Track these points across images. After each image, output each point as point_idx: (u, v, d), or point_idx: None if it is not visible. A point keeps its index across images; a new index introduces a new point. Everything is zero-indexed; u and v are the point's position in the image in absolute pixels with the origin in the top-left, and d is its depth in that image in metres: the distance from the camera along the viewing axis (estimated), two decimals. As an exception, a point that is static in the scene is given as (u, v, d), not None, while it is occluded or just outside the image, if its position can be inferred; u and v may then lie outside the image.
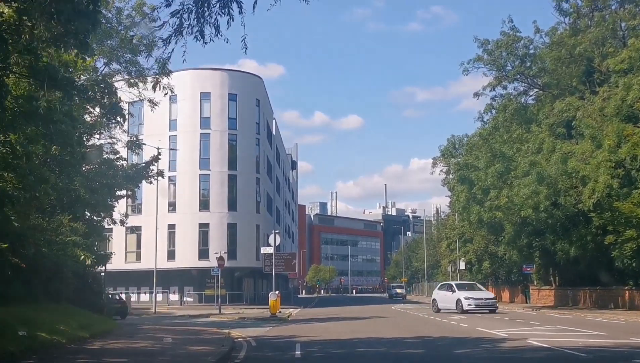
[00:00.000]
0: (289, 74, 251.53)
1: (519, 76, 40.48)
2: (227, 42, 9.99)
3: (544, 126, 37.23)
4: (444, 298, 36.19)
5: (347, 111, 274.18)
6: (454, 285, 36.92)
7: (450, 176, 53.77)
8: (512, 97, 41.25)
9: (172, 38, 9.79)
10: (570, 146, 33.99)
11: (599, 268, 36.75)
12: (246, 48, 10.02)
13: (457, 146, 54.62)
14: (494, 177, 38.59)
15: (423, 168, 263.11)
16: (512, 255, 46.94)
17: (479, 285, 39.57)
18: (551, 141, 35.59)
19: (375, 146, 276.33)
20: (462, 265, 60.91)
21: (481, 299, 34.45)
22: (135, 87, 30.45)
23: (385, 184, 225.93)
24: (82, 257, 22.70)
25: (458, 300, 34.54)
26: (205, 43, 9.93)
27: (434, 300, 37.40)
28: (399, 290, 79.95)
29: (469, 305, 33.80)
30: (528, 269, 46.89)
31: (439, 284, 40.90)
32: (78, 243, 23.35)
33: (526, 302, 49.09)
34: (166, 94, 27.06)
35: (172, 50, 10.04)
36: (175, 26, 9.72)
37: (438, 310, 35.91)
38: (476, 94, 41.62)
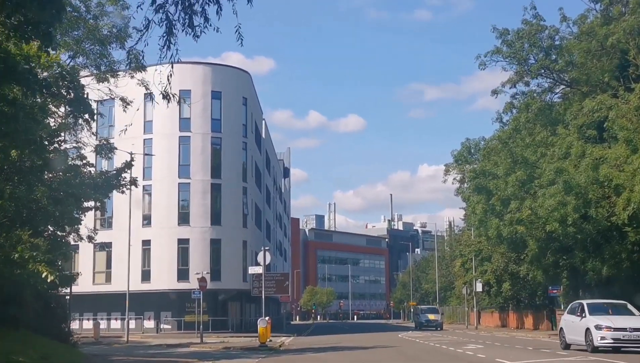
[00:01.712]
0: (280, 68, 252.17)
1: (543, 71, 40.58)
2: (217, 31, 10.00)
3: (572, 127, 37.30)
4: (571, 326, 27.79)
5: (346, 110, 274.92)
6: (585, 306, 27.68)
7: (465, 185, 53.79)
8: (535, 94, 41.34)
9: (152, 31, 9.79)
10: (602, 151, 34.04)
11: (636, 290, 36.73)
12: (242, 39, 10.03)
13: (472, 150, 54.72)
14: (515, 186, 38.61)
15: (433, 176, 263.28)
16: (536, 275, 46.91)
17: (630, 306, 28.30)
18: (580, 145, 35.63)
19: (378, 150, 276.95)
20: (479, 287, 60.90)
21: (628, 329, 25.02)
22: (106, 83, 30.46)
23: (391, 195, 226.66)
24: (45, 274, 22.59)
25: (587, 330, 25.69)
26: (197, 37, 9.93)
27: (561, 329, 29.68)
28: (432, 316, 64.76)
29: (601, 339, 24.97)
30: (554, 291, 46.83)
31: (570, 304, 31.05)
32: (39, 259, 23.24)
33: (552, 329, 49.00)
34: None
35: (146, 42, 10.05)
36: (164, 25, 9.71)
37: (567, 346, 27.88)
38: (494, 92, 41.71)
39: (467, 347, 29.39)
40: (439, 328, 61.36)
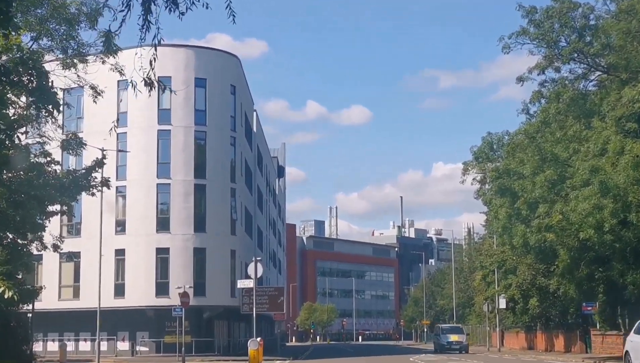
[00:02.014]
0: (273, 52, 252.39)
1: (576, 55, 40.56)
2: (206, 7, 9.91)
3: (609, 120, 37.27)
4: (637, 348, 27.69)
5: (349, 100, 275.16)
6: None
7: (487, 187, 53.91)
8: (567, 82, 41.34)
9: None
10: (644, 147, 34.01)
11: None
12: (234, 16, 9.92)
13: (494, 146, 54.84)
14: (544, 187, 38.61)
15: (449, 176, 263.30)
16: (568, 289, 46.91)
17: None
18: (619, 140, 35.58)
19: (386, 146, 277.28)
20: (503, 303, 60.94)
21: None
22: (73, 69, 30.46)
23: (401, 197, 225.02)
24: (2, 288, 22.57)
25: None
26: (182, 14, 9.84)
27: (626, 352, 29.41)
28: (455, 337, 62.52)
29: None
30: (589, 308, 46.80)
31: (638, 322, 30.16)
32: (-4, 273, 23.26)
33: (586, 352, 49.05)
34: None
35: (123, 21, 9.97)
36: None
37: None
38: (520, 79, 41.67)
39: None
40: (463, 352, 59.29)
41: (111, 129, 17.39)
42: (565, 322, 56.92)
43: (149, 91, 11.41)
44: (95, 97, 30.91)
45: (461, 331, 65.92)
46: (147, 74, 10.70)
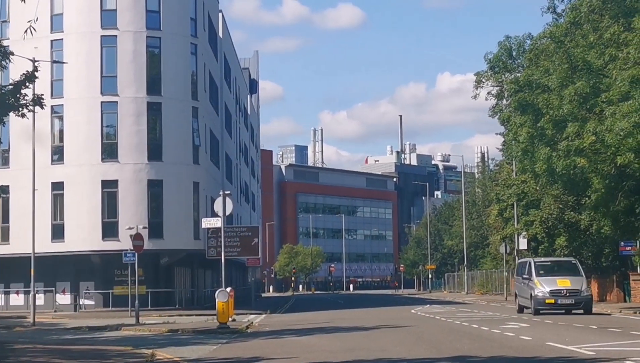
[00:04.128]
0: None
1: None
2: None
3: (655, 18, 37.17)
4: None
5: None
6: None
7: (504, 102, 53.72)
8: (603, -28, 41.06)
9: None
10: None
11: None
12: None
13: (514, 53, 54.42)
14: (574, 102, 38.56)
15: (458, 90, 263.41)
16: (602, 226, 47.21)
17: None
18: (666, 44, 35.58)
19: (382, 54, 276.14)
20: (524, 244, 61.29)
21: None
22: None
23: (400, 116, 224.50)
24: None
25: None
26: None
27: None
28: (565, 282, 39.53)
29: None
30: (627, 248, 47.20)
31: None
32: None
33: (625, 300, 49.59)
34: None
35: None
36: None
37: None
38: (545, -32, 41.36)
39: (506, 326, 29.63)
40: (583, 309, 39.46)
41: (26, 30, 16.93)
42: (600, 264, 57.44)
43: None
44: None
45: (575, 270, 41.59)
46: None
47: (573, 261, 43.56)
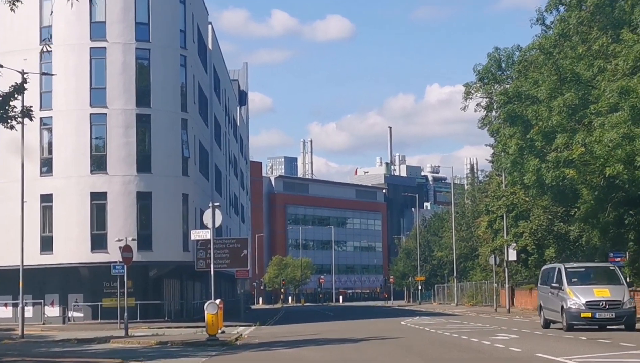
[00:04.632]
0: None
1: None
2: None
3: (642, 31, 37.35)
4: None
5: (325, 9, 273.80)
6: None
7: (493, 113, 53.87)
8: (591, -16, 41.24)
9: None
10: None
11: None
12: None
13: (503, 65, 54.59)
14: (563, 113, 38.69)
15: (447, 101, 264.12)
16: (591, 237, 47.33)
17: None
18: (654, 56, 35.73)
19: (370, 66, 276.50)
20: (513, 255, 61.38)
21: None
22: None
23: (389, 128, 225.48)
24: None
25: None
26: None
27: None
28: (603, 292, 34.30)
29: None
30: (617, 259, 47.30)
31: None
32: None
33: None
34: None
35: None
36: None
37: None
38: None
39: (496, 337, 29.69)
40: (624, 324, 33.83)
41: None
42: (588, 276, 57.50)
43: None
44: (13, 4, 30.42)
45: (614, 277, 35.95)
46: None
47: (612, 267, 37.85)
